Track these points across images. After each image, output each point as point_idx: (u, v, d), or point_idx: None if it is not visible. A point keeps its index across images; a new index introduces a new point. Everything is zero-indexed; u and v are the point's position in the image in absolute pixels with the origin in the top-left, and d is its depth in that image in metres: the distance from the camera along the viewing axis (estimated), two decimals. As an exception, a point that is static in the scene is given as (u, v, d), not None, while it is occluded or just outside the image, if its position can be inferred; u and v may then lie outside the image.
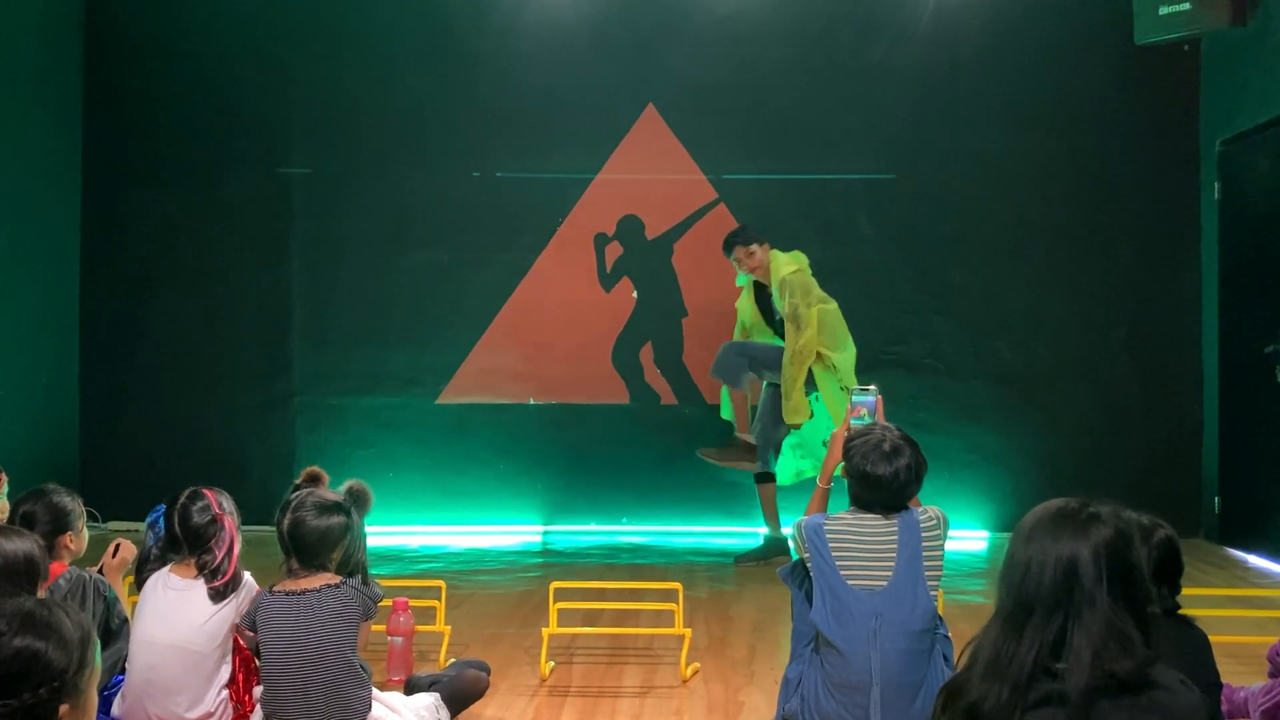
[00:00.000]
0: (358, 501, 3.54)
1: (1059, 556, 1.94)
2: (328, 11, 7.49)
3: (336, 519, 3.36)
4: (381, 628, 4.02)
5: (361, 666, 3.32)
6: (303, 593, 3.26)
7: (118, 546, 3.72)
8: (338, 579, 3.32)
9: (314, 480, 3.58)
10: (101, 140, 7.51)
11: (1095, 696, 1.86)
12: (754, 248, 6.28)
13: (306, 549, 3.32)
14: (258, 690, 3.37)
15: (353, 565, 3.43)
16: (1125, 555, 1.95)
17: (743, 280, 6.50)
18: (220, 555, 3.32)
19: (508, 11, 7.44)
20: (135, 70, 7.52)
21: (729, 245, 6.37)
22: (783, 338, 6.15)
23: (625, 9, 7.45)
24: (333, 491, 3.52)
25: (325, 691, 3.21)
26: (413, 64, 7.43)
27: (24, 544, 2.92)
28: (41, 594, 2.92)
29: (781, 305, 6.12)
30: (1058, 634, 1.90)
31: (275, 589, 3.32)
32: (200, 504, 3.36)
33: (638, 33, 7.43)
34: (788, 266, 6.17)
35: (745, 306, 6.50)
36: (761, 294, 6.41)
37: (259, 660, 3.33)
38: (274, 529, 3.37)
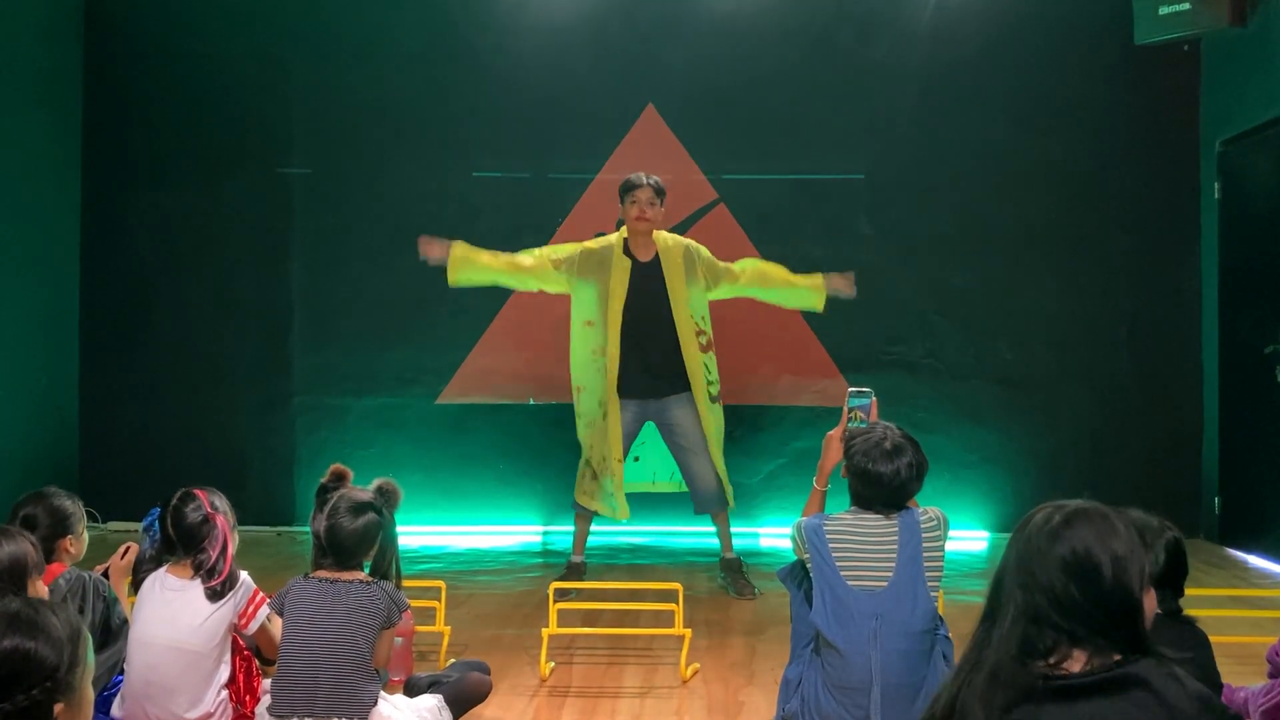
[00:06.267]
0: (388, 499, 3.63)
1: (1032, 554, 1.95)
2: (328, 11, 7.48)
3: (369, 517, 3.48)
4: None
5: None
6: (335, 581, 3.38)
7: (127, 549, 3.74)
8: (372, 580, 3.44)
9: (340, 478, 3.67)
10: (101, 140, 7.51)
11: (1082, 693, 1.86)
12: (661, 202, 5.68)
13: (346, 551, 3.44)
14: (266, 682, 3.42)
15: (385, 567, 3.56)
16: (1103, 554, 1.94)
17: (593, 244, 5.91)
18: (214, 554, 3.35)
19: (508, 11, 7.44)
20: (135, 70, 7.52)
21: (635, 185, 5.67)
22: (668, 320, 5.67)
23: (625, 9, 7.44)
24: (362, 489, 3.59)
25: (334, 677, 3.26)
26: (413, 64, 7.43)
27: (11, 545, 2.92)
28: (33, 593, 2.92)
29: (700, 273, 5.77)
30: (1032, 628, 1.92)
31: (310, 575, 3.43)
32: (192, 504, 3.39)
33: (638, 33, 7.42)
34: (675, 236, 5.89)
35: (610, 289, 5.73)
36: (641, 269, 5.75)
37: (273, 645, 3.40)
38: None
